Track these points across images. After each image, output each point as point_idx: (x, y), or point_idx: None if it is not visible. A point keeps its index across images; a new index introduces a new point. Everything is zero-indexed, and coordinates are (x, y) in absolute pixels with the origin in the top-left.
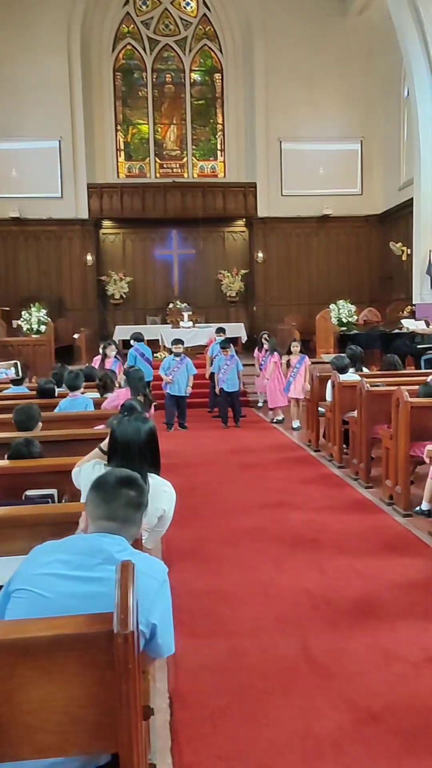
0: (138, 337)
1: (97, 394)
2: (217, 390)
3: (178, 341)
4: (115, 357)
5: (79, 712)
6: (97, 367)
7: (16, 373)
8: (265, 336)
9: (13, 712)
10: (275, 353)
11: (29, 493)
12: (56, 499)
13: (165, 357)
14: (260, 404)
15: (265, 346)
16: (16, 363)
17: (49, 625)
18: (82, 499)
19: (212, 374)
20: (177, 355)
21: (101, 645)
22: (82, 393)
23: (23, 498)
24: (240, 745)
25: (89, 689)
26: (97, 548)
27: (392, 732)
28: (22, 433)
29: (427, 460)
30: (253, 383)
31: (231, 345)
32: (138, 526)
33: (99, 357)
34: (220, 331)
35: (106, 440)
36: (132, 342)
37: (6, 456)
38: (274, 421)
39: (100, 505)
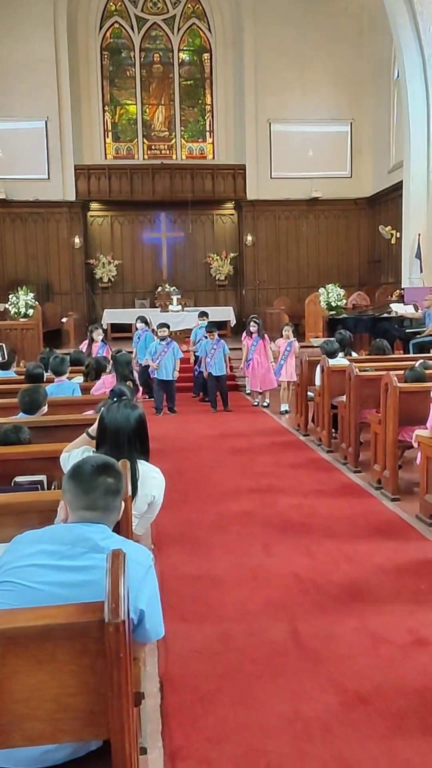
0: (144, 320)
1: (81, 379)
2: (205, 374)
3: (163, 325)
4: (102, 341)
5: (71, 701)
6: (84, 351)
7: (2, 356)
8: (255, 319)
9: (3, 701)
10: (265, 337)
11: (18, 479)
12: (45, 485)
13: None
14: (248, 390)
15: (253, 330)
16: (1, 346)
17: (39, 614)
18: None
19: (197, 358)
20: (163, 339)
21: (92, 634)
22: (69, 378)
23: (12, 484)
24: (230, 728)
25: (80, 678)
26: (81, 537)
27: (380, 714)
28: (13, 419)
29: (415, 445)
30: (240, 368)
31: (216, 329)
32: (118, 511)
33: (86, 341)
34: (203, 315)
35: (95, 425)
36: (138, 326)
37: None
38: (260, 404)
39: (79, 495)
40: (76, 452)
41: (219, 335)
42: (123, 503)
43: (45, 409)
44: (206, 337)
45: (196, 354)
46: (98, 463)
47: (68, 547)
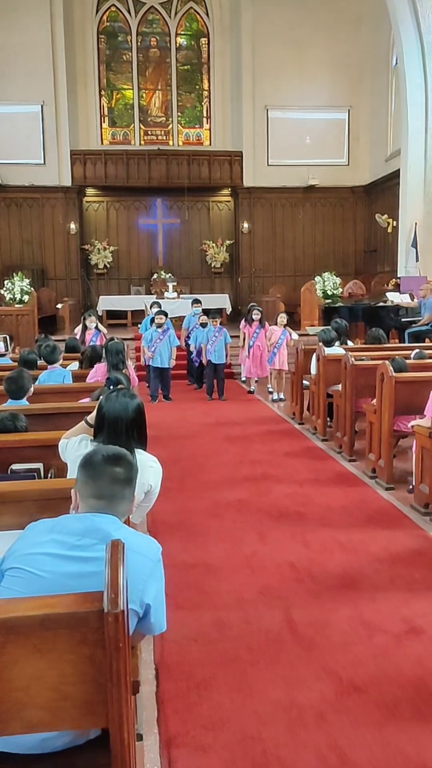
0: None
1: (76, 366)
2: (204, 361)
3: (161, 313)
4: (96, 328)
5: (70, 689)
6: (78, 338)
7: (5, 347)
8: (257, 308)
9: (3, 689)
10: (266, 325)
11: (15, 467)
12: (42, 473)
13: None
14: (244, 378)
15: (256, 318)
16: (5, 337)
17: (40, 603)
18: (69, 474)
19: (188, 346)
20: (159, 326)
21: (92, 624)
22: (64, 366)
23: (9, 472)
24: (225, 715)
25: (79, 667)
26: (93, 528)
27: (374, 702)
28: (8, 407)
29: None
30: (237, 355)
31: (219, 316)
32: (129, 501)
33: (79, 328)
34: (196, 302)
35: (93, 413)
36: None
37: None
38: (254, 390)
39: (87, 482)
40: (74, 440)
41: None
42: (135, 495)
43: (31, 391)
44: (202, 326)
45: (188, 342)
46: (109, 453)
47: (78, 538)
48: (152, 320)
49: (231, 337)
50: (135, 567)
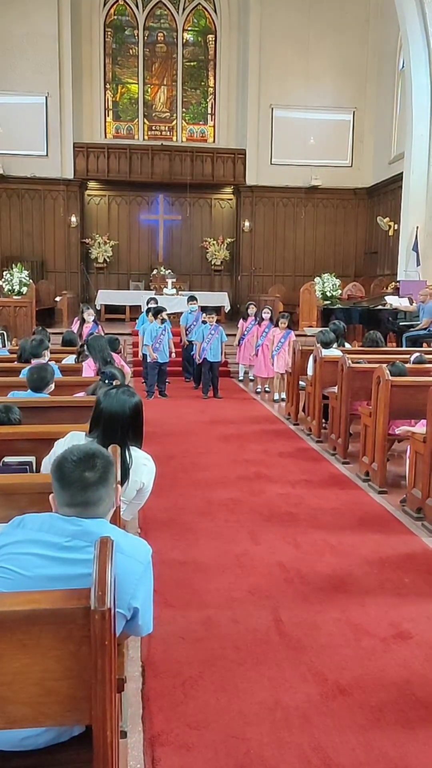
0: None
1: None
2: (198, 359)
3: (160, 309)
4: (94, 322)
5: (54, 685)
6: (75, 331)
7: (2, 343)
8: (268, 306)
9: None
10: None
11: (7, 459)
12: (34, 466)
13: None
14: (241, 377)
15: (266, 317)
16: (2, 333)
17: (26, 599)
18: (43, 469)
19: (188, 343)
20: (163, 320)
21: (78, 621)
22: (58, 361)
23: (1, 464)
24: (210, 715)
25: (64, 663)
26: (83, 531)
27: (359, 705)
28: (20, 398)
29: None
30: (234, 354)
31: (215, 313)
32: (107, 502)
33: (77, 321)
34: (192, 299)
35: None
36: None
37: None
38: (262, 390)
39: (58, 490)
40: (66, 438)
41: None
42: (116, 489)
43: (52, 386)
44: (204, 322)
45: (189, 339)
46: (79, 456)
47: (68, 539)
48: (153, 313)
49: (227, 335)
50: (125, 570)
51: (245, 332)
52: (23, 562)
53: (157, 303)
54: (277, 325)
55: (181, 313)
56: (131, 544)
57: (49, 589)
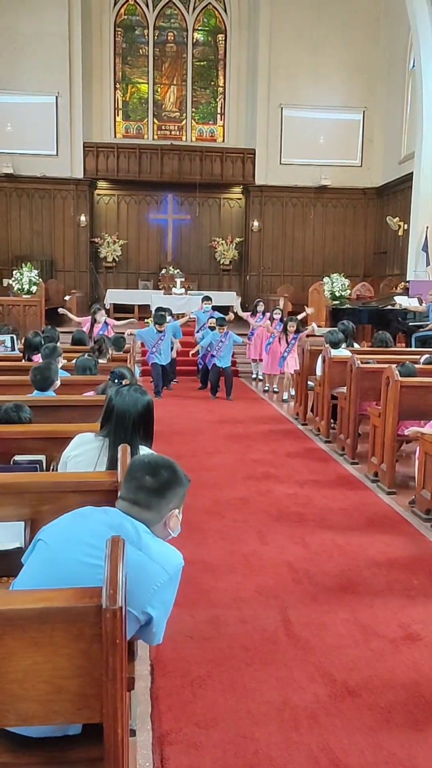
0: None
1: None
2: (209, 366)
3: (162, 318)
4: (105, 323)
5: (64, 683)
6: (86, 332)
7: (12, 347)
8: (278, 307)
9: None
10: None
11: (18, 458)
12: (45, 465)
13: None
14: (254, 376)
15: (277, 317)
16: (12, 337)
17: (38, 597)
18: (59, 468)
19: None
20: (160, 331)
21: (89, 619)
22: (69, 359)
23: (11, 463)
24: (219, 714)
25: (75, 661)
26: (120, 525)
27: (368, 707)
28: (14, 397)
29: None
30: (243, 353)
31: (225, 322)
32: (157, 512)
33: (88, 321)
34: (207, 299)
35: None
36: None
37: None
38: (268, 389)
39: (123, 483)
40: (77, 439)
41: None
42: (172, 511)
43: (58, 383)
44: (212, 328)
45: (200, 342)
46: (150, 461)
47: (107, 529)
48: (155, 320)
49: (237, 335)
50: (147, 574)
51: (253, 330)
52: (60, 540)
53: (164, 315)
54: (286, 328)
55: (193, 319)
56: (162, 552)
57: (71, 570)
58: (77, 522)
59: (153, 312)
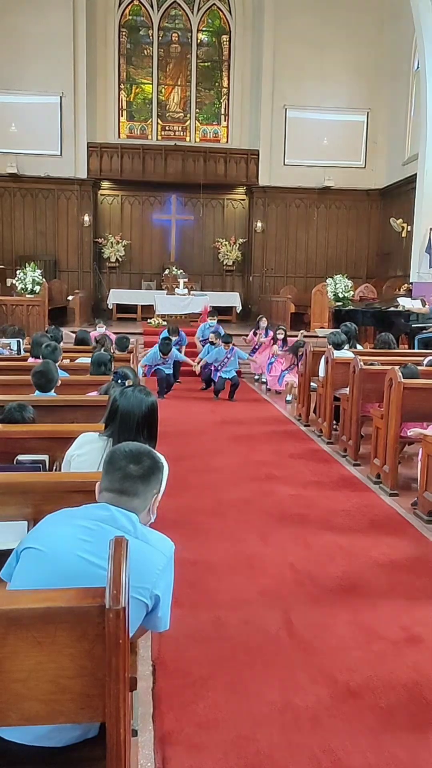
0: (175, 330)
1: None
2: (215, 378)
3: (167, 347)
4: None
5: (68, 683)
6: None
7: (18, 351)
8: (282, 327)
9: (2, 680)
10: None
11: (21, 457)
12: (47, 465)
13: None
14: (256, 377)
15: (280, 337)
16: (18, 341)
17: (42, 597)
18: (63, 468)
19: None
20: (164, 357)
21: (92, 619)
22: (72, 359)
23: (15, 462)
24: (220, 715)
25: (78, 661)
26: (112, 517)
27: (370, 708)
28: (18, 397)
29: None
30: (248, 365)
31: (231, 338)
32: (141, 499)
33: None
34: (213, 314)
35: None
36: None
37: None
38: (270, 389)
39: (104, 474)
40: (75, 442)
41: (221, 319)
42: (155, 496)
43: (59, 383)
44: (212, 344)
45: (203, 356)
46: (131, 449)
47: (95, 523)
48: (161, 347)
49: (235, 334)
50: (149, 560)
51: (257, 346)
52: (51, 542)
53: (170, 344)
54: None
55: (193, 313)
56: (157, 538)
57: (72, 567)
58: (63, 522)
59: (159, 339)
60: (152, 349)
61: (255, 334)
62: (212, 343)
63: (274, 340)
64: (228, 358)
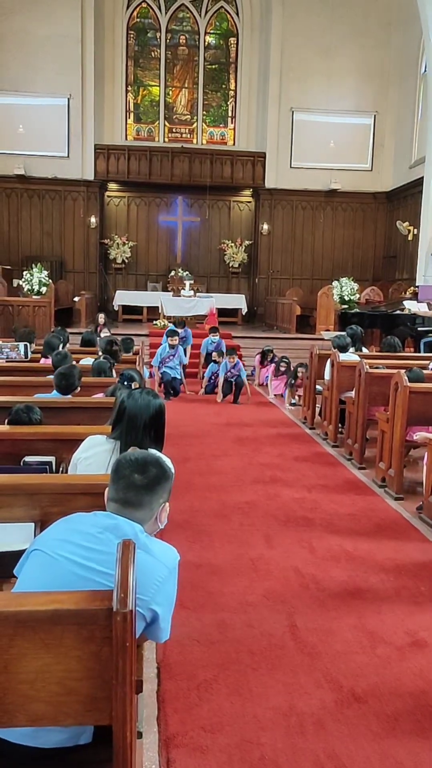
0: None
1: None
2: (220, 385)
3: (174, 332)
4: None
5: (75, 685)
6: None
7: (26, 355)
8: (285, 359)
9: (10, 681)
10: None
11: (28, 459)
12: (54, 466)
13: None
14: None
15: (283, 369)
16: (26, 345)
17: (50, 599)
18: (69, 471)
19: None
20: (172, 346)
21: (100, 622)
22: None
23: (21, 464)
24: (225, 718)
25: (85, 663)
26: (116, 526)
27: (374, 713)
28: (25, 399)
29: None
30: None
31: (235, 352)
32: (147, 508)
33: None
34: (215, 331)
35: None
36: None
37: (6, 421)
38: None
39: (110, 485)
40: (87, 441)
41: (226, 321)
42: (162, 505)
43: (78, 389)
44: (215, 362)
45: (206, 375)
46: (137, 458)
47: (101, 531)
48: (168, 334)
49: (235, 337)
50: (149, 571)
51: (265, 379)
52: (56, 547)
53: (174, 329)
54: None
55: (200, 315)
56: (160, 549)
57: (72, 574)
58: (69, 527)
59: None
60: (159, 349)
61: (262, 363)
62: (215, 362)
63: (277, 372)
64: (232, 372)
